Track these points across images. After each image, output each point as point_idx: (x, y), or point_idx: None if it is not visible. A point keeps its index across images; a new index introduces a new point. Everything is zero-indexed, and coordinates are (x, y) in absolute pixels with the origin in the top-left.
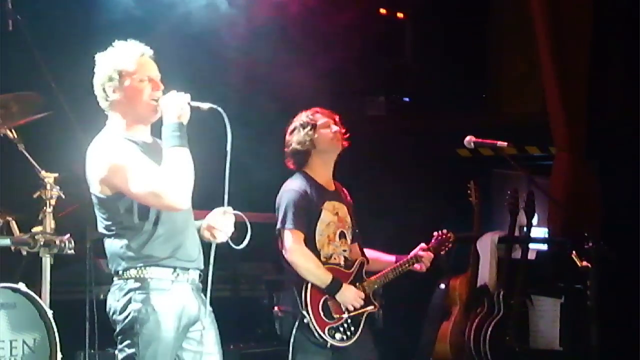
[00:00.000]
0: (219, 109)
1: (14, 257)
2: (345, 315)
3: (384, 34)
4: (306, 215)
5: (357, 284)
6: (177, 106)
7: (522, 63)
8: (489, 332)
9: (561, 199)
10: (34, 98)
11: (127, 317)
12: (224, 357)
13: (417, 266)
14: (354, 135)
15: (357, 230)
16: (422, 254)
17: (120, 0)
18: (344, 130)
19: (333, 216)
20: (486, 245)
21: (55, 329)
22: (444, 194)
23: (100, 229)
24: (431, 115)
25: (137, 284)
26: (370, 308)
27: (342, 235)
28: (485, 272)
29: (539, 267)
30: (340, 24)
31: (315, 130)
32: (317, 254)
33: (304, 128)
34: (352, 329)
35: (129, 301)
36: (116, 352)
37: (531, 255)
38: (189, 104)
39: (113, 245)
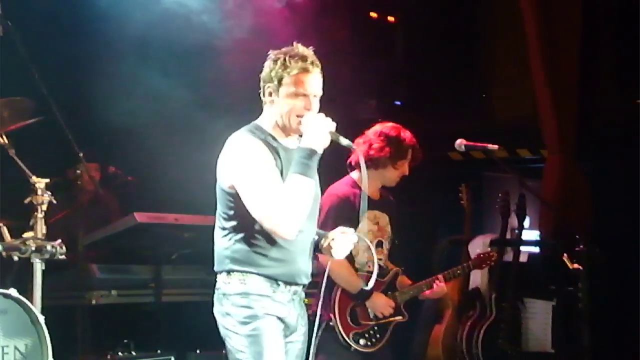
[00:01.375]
0: (357, 149)
1: (6, 263)
2: (372, 323)
3: (375, 38)
4: (346, 222)
5: (389, 292)
6: (319, 131)
7: (513, 66)
8: (481, 335)
9: (552, 201)
10: (25, 104)
11: (231, 322)
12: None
13: (426, 292)
14: None
15: (395, 242)
16: (436, 287)
17: (111, 6)
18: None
19: (373, 225)
20: (478, 248)
21: (47, 335)
22: (436, 197)
23: (216, 222)
24: (423, 119)
25: (239, 289)
26: (399, 318)
27: (379, 244)
28: (477, 275)
29: (531, 270)
30: (331, 27)
31: (397, 162)
32: (351, 260)
33: (396, 152)
34: (378, 336)
35: (232, 305)
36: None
37: (523, 258)
38: (330, 133)
39: (223, 244)
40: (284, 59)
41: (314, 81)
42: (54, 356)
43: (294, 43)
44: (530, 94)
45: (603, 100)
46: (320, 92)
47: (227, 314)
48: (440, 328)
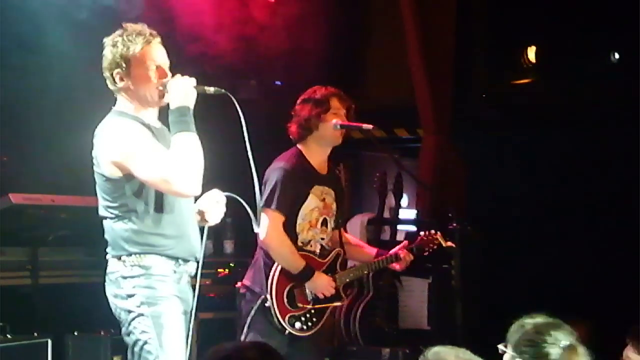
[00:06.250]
0: (227, 92)
1: None
2: (309, 306)
3: (255, 18)
4: (292, 197)
5: (329, 274)
6: (183, 90)
7: (390, 46)
8: (358, 313)
9: (429, 180)
10: None
11: (134, 303)
12: None
13: (395, 265)
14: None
15: (339, 220)
16: (402, 254)
17: None
18: (353, 122)
19: (319, 202)
20: (355, 227)
21: None
22: None
23: (102, 211)
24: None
25: (141, 271)
26: (337, 302)
27: (324, 223)
28: None
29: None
30: (212, 8)
31: (324, 116)
32: (294, 237)
33: (316, 106)
34: (314, 320)
35: (135, 287)
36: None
37: (400, 237)
38: (194, 87)
39: (115, 229)
40: (124, 39)
41: (159, 51)
42: None
43: (123, 24)
44: (408, 74)
45: (478, 81)
46: (167, 61)
47: (128, 295)
48: None
